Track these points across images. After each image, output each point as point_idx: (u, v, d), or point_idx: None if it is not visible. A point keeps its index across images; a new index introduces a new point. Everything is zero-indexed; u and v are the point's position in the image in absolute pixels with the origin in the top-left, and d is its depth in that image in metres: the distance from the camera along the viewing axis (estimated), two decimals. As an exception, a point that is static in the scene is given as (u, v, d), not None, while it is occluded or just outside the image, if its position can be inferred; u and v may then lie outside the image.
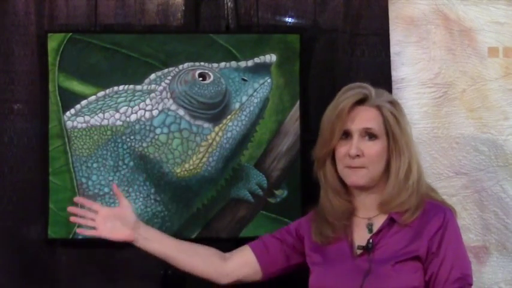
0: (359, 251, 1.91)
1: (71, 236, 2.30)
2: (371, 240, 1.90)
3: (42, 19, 2.33)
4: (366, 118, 1.91)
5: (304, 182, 2.35)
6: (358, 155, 1.90)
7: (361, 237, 1.93)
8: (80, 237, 2.30)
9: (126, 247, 2.31)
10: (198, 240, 2.33)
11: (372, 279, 1.86)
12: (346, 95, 1.93)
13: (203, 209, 2.34)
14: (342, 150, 1.92)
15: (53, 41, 2.29)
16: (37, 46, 2.32)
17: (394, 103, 1.96)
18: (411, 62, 2.41)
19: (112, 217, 2.01)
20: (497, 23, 2.41)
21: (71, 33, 2.30)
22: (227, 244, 2.34)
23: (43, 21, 2.33)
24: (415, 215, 1.90)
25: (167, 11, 2.37)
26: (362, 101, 1.93)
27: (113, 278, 2.33)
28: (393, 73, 2.40)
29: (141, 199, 2.32)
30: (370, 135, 1.91)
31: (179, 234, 2.31)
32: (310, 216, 2.04)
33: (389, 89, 2.36)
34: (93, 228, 2.00)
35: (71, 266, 2.33)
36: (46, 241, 2.31)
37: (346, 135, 1.92)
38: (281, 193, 2.36)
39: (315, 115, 2.38)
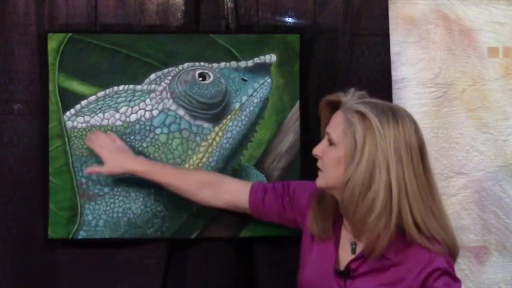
0: (338, 273, 1.88)
1: (71, 236, 2.30)
2: (349, 267, 1.86)
3: (42, 19, 2.32)
4: (332, 122, 1.89)
5: (304, 182, 2.36)
6: (317, 155, 1.89)
7: (344, 255, 1.90)
8: (79, 237, 2.30)
9: (126, 247, 2.33)
10: (198, 240, 2.34)
11: None
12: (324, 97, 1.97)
13: (203, 209, 2.34)
14: None
15: (53, 41, 2.29)
16: (37, 46, 2.32)
17: (363, 114, 1.81)
18: (411, 62, 2.42)
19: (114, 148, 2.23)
20: (497, 23, 2.41)
21: (71, 33, 2.30)
22: (227, 244, 2.35)
23: (43, 21, 2.32)
24: (379, 248, 1.79)
25: (167, 11, 2.37)
26: (338, 105, 1.90)
27: (113, 278, 2.33)
28: (393, 73, 2.40)
29: (141, 199, 2.32)
30: (330, 140, 1.88)
31: (179, 234, 2.32)
32: (313, 194, 2.01)
33: (389, 89, 2.37)
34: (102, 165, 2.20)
35: (71, 266, 2.33)
36: (46, 241, 2.31)
37: None
38: (281, 193, 2.36)
39: (315, 115, 2.38)
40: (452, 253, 1.86)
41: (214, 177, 2.23)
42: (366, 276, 1.85)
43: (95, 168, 2.23)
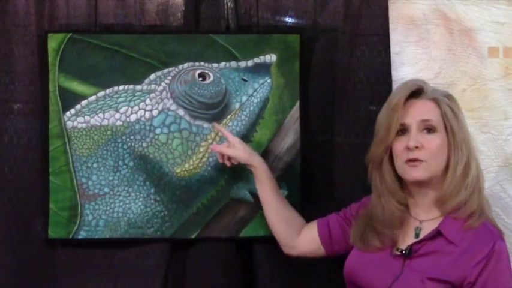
0: (397, 252, 1.89)
1: (71, 236, 2.31)
2: (411, 247, 1.87)
3: (42, 19, 2.32)
4: (423, 111, 1.88)
5: (304, 182, 2.35)
6: (417, 147, 1.85)
7: (406, 238, 1.91)
8: (79, 237, 2.30)
9: (126, 247, 2.33)
10: (198, 240, 2.34)
11: (399, 285, 1.84)
12: (401, 88, 1.93)
13: (203, 209, 2.34)
14: (399, 145, 1.89)
15: (53, 41, 2.29)
16: (37, 46, 2.32)
17: (450, 97, 1.93)
18: (411, 61, 2.41)
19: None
20: (497, 23, 2.41)
21: (71, 33, 2.30)
22: (227, 244, 2.35)
23: (43, 21, 2.33)
24: (481, 219, 1.86)
25: (167, 11, 2.37)
26: (418, 95, 1.90)
27: (113, 278, 2.33)
28: (393, 73, 2.39)
29: (141, 199, 2.32)
30: (429, 128, 1.86)
31: (179, 234, 2.32)
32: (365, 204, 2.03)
33: (389, 89, 2.36)
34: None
35: (71, 266, 2.33)
36: (46, 241, 2.31)
37: (404, 131, 1.89)
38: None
39: (315, 115, 2.39)
40: None
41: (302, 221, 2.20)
42: (425, 256, 1.85)
43: (222, 149, 2.19)
